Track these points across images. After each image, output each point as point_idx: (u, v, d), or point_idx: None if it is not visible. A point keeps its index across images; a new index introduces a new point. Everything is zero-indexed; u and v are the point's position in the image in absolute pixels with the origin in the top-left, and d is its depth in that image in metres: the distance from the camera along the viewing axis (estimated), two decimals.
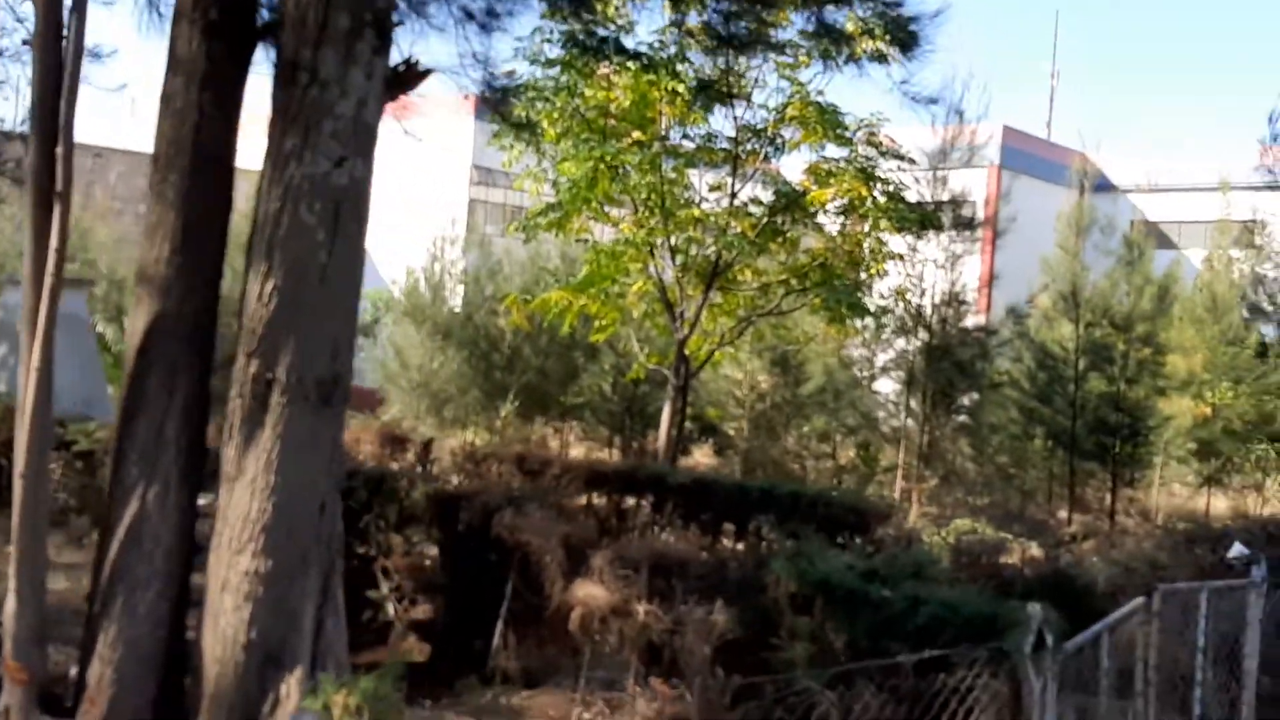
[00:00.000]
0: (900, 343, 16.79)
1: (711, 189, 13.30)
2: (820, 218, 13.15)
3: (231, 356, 5.36)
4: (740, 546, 9.32)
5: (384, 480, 8.63)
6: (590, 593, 6.86)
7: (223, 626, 5.15)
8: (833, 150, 12.78)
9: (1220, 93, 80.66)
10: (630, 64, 11.56)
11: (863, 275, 13.31)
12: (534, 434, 18.94)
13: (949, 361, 15.99)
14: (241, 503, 5.18)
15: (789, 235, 13.09)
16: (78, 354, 13.56)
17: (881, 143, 12.82)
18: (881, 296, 14.56)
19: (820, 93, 12.26)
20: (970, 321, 16.93)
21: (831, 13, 10.22)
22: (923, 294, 16.01)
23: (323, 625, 5.31)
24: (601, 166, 11.89)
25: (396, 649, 8.03)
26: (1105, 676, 5.98)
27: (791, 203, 12.63)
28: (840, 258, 12.94)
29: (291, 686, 5.01)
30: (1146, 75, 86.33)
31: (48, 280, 5.31)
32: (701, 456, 18.58)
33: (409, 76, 5.71)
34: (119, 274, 20.05)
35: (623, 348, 16.52)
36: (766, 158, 13.14)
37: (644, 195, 12.34)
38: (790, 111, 12.39)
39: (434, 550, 8.60)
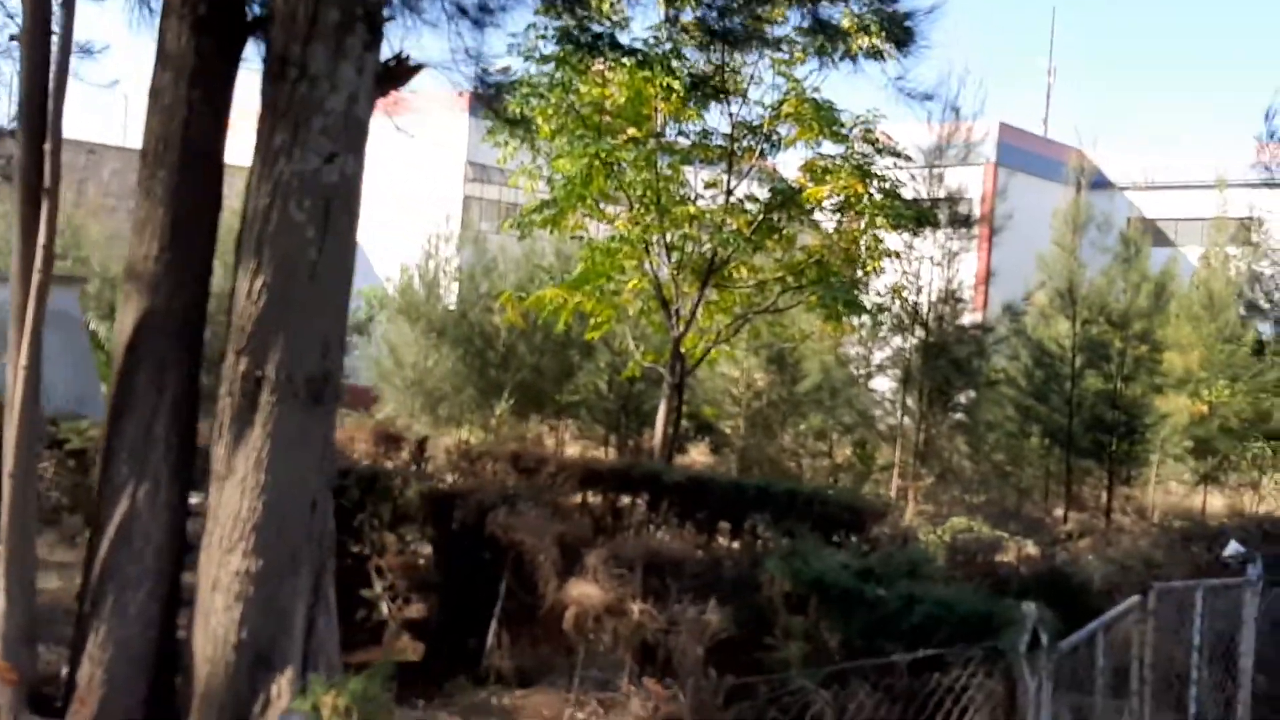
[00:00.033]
0: (897, 340, 16.77)
1: (707, 186, 13.26)
2: (816, 215, 13.12)
3: (222, 353, 5.32)
4: (736, 545, 9.29)
5: (377, 479, 8.58)
6: (584, 592, 6.83)
7: (213, 626, 5.12)
8: (829, 147, 12.76)
9: (1217, 89, 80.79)
10: (625, 60, 11.52)
11: (859, 273, 13.28)
12: (529, 432, 18.91)
13: (945, 359, 15.97)
14: (232, 501, 5.14)
15: (785, 232, 13.06)
16: (70, 352, 13.52)
17: (878, 140, 12.79)
18: (878, 294, 14.53)
19: (816, 89, 12.24)
20: (967, 319, 16.91)
21: (827, 9, 10.20)
22: (919, 291, 15.99)
23: (314, 624, 5.28)
24: (596, 163, 11.84)
25: (390, 648, 7.99)
26: (1101, 675, 5.95)
27: (787, 200, 12.60)
28: (836, 255, 12.91)
29: (282, 686, 4.98)
30: (1143, 72, 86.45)
31: (35, 277, 5.28)
32: (698, 455, 18.56)
33: (400, 72, 5.67)
34: (111, 271, 19.96)
35: (618, 345, 16.49)
36: (762, 154, 13.10)
37: (639, 192, 12.30)
38: (786, 108, 12.35)
39: (428, 549, 8.55)
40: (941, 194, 16.06)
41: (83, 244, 22.64)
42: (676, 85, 11.63)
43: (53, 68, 5.38)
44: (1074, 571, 9.19)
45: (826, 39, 10.83)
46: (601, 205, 12.77)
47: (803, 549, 6.80)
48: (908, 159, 13.72)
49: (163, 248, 5.57)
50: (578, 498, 9.82)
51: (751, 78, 12.55)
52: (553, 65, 11.88)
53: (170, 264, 5.58)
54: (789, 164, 13.80)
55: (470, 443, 13.11)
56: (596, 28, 11.68)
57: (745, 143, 12.82)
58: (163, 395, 5.54)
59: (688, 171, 13.13)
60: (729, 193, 12.86)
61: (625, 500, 9.94)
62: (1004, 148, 30.14)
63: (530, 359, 18.35)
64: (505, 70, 11.78)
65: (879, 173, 12.71)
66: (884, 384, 17.73)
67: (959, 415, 17.02)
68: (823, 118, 12.27)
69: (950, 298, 16.15)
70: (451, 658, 7.54)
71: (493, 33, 7.35)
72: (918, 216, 13.34)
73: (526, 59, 11.85)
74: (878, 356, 17.48)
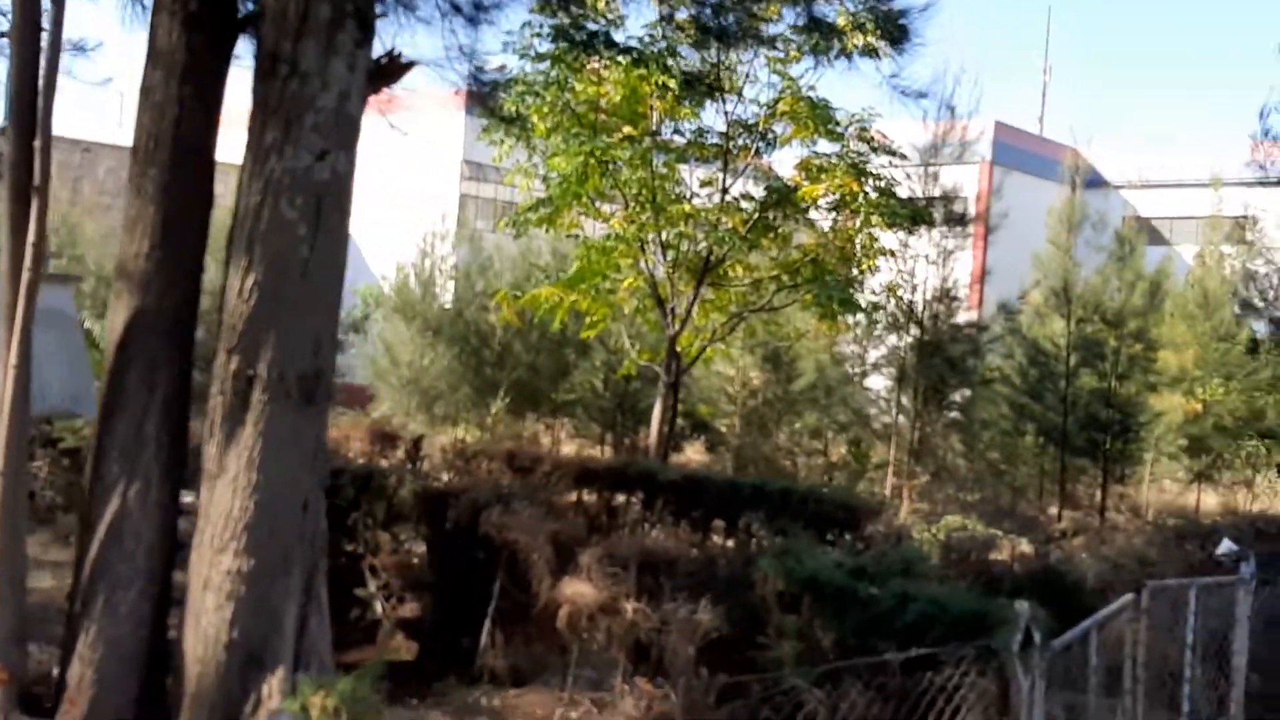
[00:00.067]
0: (892, 339, 16.78)
1: (703, 184, 13.24)
2: (812, 213, 13.11)
3: (215, 352, 5.30)
4: (731, 543, 9.28)
5: (371, 478, 8.57)
6: (578, 591, 6.82)
7: (204, 626, 5.10)
8: (824, 145, 12.74)
9: (1213, 89, 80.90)
10: (620, 58, 11.50)
11: (854, 271, 13.27)
12: (525, 431, 18.89)
13: (940, 358, 15.98)
14: (223, 501, 5.13)
15: (780, 231, 13.05)
16: (65, 350, 13.48)
17: (873, 138, 12.78)
18: (873, 292, 14.52)
19: (812, 88, 12.23)
20: (962, 317, 16.92)
21: (821, 7, 10.18)
22: (914, 290, 15.99)
23: (306, 624, 5.27)
24: (592, 161, 11.83)
25: (384, 647, 7.99)
26: (1094, 674, 5.95)
27: (783, 198, 12.59)
28: (832, 253, 12.90)
29: (274, 686, 4.97)
30: (1139, 71, 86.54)
31: (25, 275, 5.25)
32: (693, 453, 18.55)
33: (392, 69, 5.65)
34: (107, 270, 19.87)
35: (614, 344, 16.48)
36: (758, 153, 13.09)
37: (635, 190, 12.28)
38: (781, 107, 12.34)
39: (422, 548, 8.54)
40: (937, 192, 16.06)
41: (78, 242, 22.59)
42: (672, 84, 11.62)
43: (43, 64, 5.36)
44: (1068, 570, 9.20)
45: (821, 37, 10.82)
46: (597, 204, 12.75)
47: (796, 547, 6.79)
48: (903, 157, 13.72)
49: (154, 246, 5.55)
50: (573, 496, 9.81)
51: (747, 76, 12.54)
52: (548, 63, 11.86)
53: (161, 262, 5.56)
54: (784, 162, 13.80)
55: (466, 441, 13.10)
56: (592, 26, 11.66)
57: (741, 141, 12.80)
58: (154, 394, 5.52)
59: (683, 170, 13.11)
60: (724, 191, 12.85)
61: (620, 499, 9.93)
62: (999, 146, 30.16)
63: (526, 357, 18.33)
64: (501, 69, 11.79)
65: (874, 171, 12.70)
66: (879, 382, 17.74)
67: (954, 414, 17.03)
68: (818, 116, 12.26)
69: (945, 296, 16.16)
70: (445, 657, 7.54)
71: (487, 30, 7.33)
72: (913, 215, 13.33)
73: (522, 57, 11.84)
74: (873, 355, 17.49)
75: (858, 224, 12.87)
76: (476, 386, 18.25)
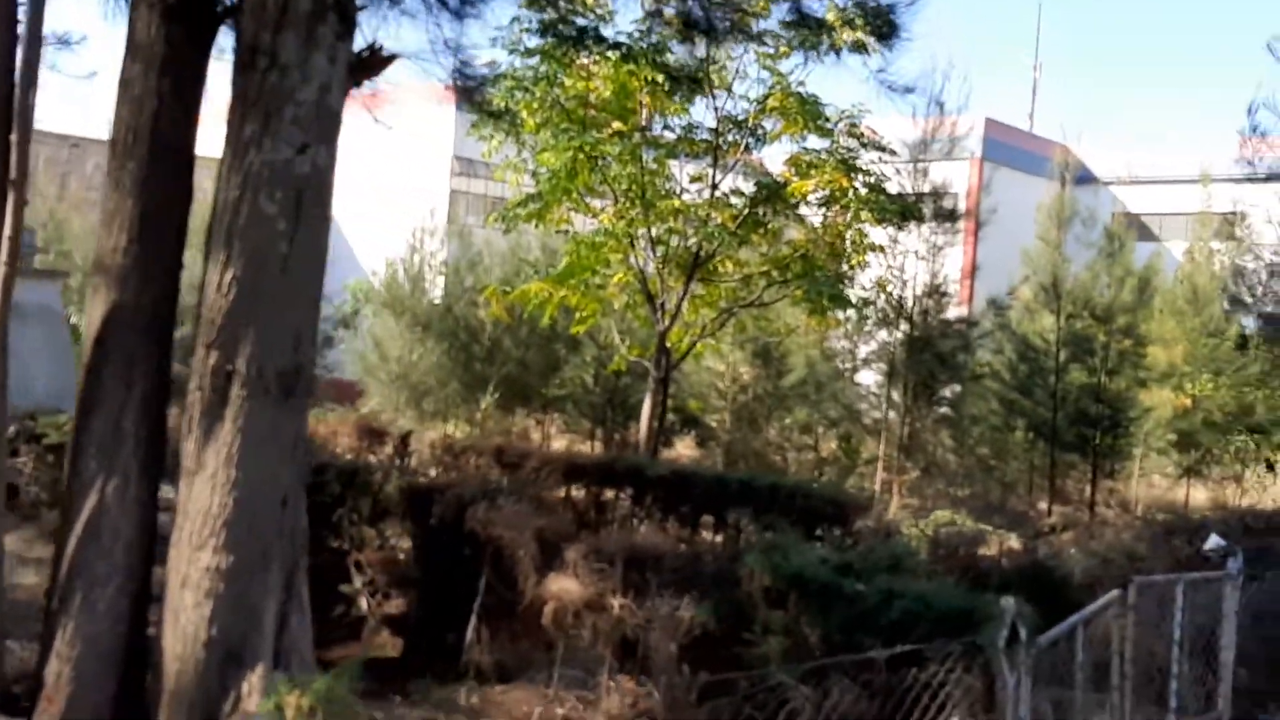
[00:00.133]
0: (882, 334, 16.78)
1: (692, 180, 13.20)
2: (801, 209, 13.08)
3: (194, 347, 5.24)
4: (719, 539, 9.26)
5: (357, 473, 8.53)
6: (564, 587, 6.78)
7: (183, 623, 5.05)
8: (814, 141, 12.72)
9: (1202, 86, 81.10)
10: (610, 54, 11.45)
11: (844, 267, 13.26)
12: (515, 426, 18.85)
13: (930, 353, 15.99)
14: (202, 497, 5.08)
15: (770, 226, 13.03)
16: (51, 346, 13.40)
17: (863, 134, 12.75)
18: (863, 288, 14.52)
19: (801, 84, 12.19)
20: (952, 313, 16.94)
21: (810, 2, 10.15)
22: (904, 286, 15.99)
23: (287, 621, 5.22)
24: (581, 157, 11.78)
25: (369, 644, 7.95)
26: (1081, 670, 5.94)
27: (773, 194, 12.56)
28: (822, 249, 12.88)
29: (253, 684, 4.92)
30: (1129, 67, 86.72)
31: (1, 270, 5.19)
32: (684, 448, 18.53)
33: (374, 62, 5.60)
34: None
35: (604, 339, 16.43)
36: (748, 149, 13.05)
37: (624, 186, 12.24)
38: (771, 102, 12.30)
39: (408, 544, 8.50)
40: (926, 188, 16.06)
41: (65, 238, 22.47)
42: (661, 79, 11.57)
43: (19, 57, 5.29)
44: (1055, 565, 9.20)
45: (810, 32, 10.79)
46: (587, 199, 12.70)
47: (782, 543, 6.76)
48: (893, 153, 13.70)
49: (131, 240, 5.49)
50: (561, 492, 9.77)
51: (737, 72, 12.50)
52: (537, 59, 11.80)
53: (139, 257, 5.50)
54: (774, 158, 13.77)
55: (454, 437, 13.06)
56: (581, 21, 11.61)
57: (730, 137, 12.76)
58: (131, 390, 5.47)
59: (673, 165, 13.07)
60: (714, 187, 12.81)
61: (609, 494, 9.90)
62: (990, 143, 30.17)
63: (516, 353, 18.29)
64: (492, 64, 11.72)
65: (864, 167, 12.69)
66: (869, 378, 17.74)
67: (944, 409, 17.06)
68: (808, 112, 12.23)
69: (935, 292, 16.17)
70: (430, 653, 7.50)
71: (474, 24, 7.26)
72: (902, 211, 13.32)
73: (511, 52, 11.79)
74: (863, 350, 17.49)
75: (847, 219, 12.85)
76: (466, 382, 18.21)
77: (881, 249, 13.97)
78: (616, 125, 12.14)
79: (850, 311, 14.41)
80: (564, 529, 7.67)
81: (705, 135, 12.71)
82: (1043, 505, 16.08)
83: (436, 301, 19.37)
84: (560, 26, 11.47)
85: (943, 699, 5.27)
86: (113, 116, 5.63)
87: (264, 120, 5.08)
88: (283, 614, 5.17)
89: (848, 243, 13.04)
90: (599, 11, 11.75)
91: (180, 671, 5.01)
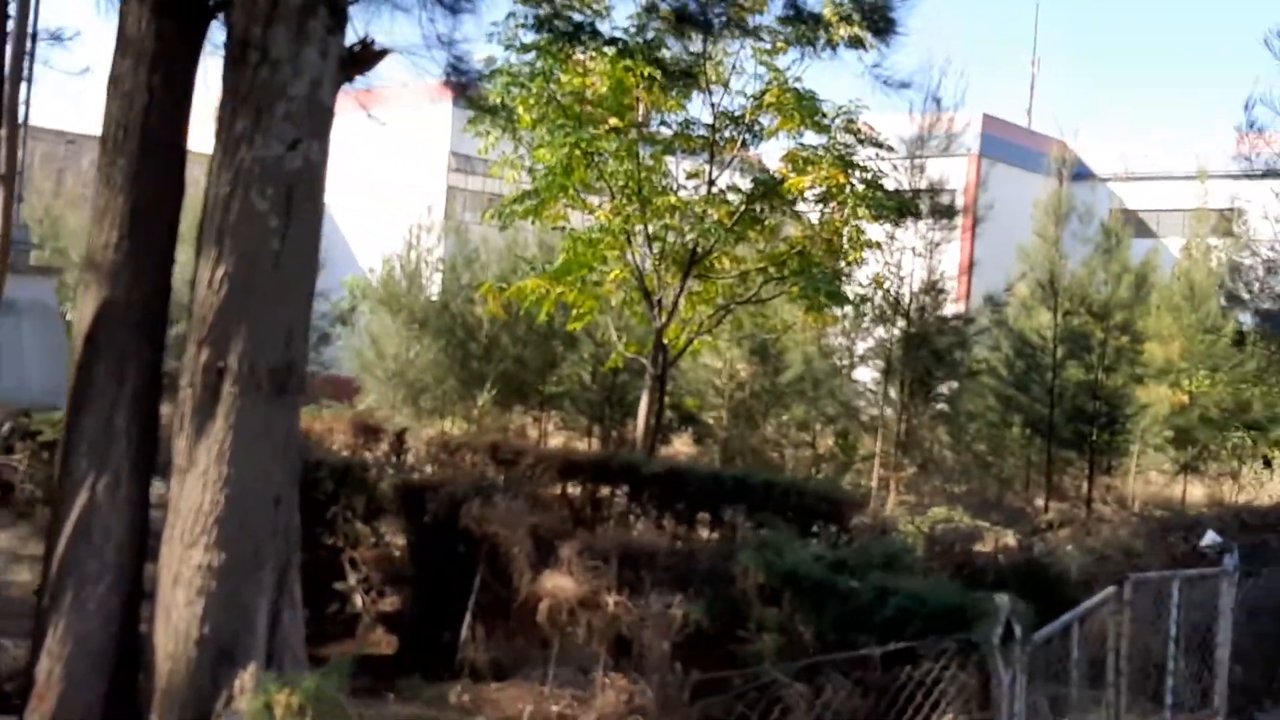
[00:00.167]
0: (879, 331, 16.76)
1: (689, 176, 13.18)
2: (799, 205, 13.05)
3: (186, 344, 5.21)
4: (715, 536, 9.24)
5: (351, 470, 8.51)
6: (558, 584, 6.77)
7: (175, 621, 5.03)
8: (811, 138, 12.69)
9: (1200, 83, 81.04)
10: (606, 50, 11.41)
11: (841, 263, 13.24)
12: (512, 423, 18.82)
13: (927, 350, 15.97)
14: (193, 495, 5.05)
15: (767, 223, 13.00)
16: (46, 342, 13.35)
17: (860, 130, 12.72)
18: (860, 285, 14.50)
19: (798, 80, 12.17)
20: (949, 310, 16.92)
21: None
22: (901, 282, 15.97)
23: (279, 619, 5.19)
24: (578, 153, 11.75)
25: (364, 641, 7.93)
26: (1076, 667, 5.93)
27: (770, 190, 12.53)
28: (819, 246, 12.86)
29: (245, 682, 4.89)
30: (1126, 65, 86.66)
31: None
32: (681, 446, 18.51)
33: (366, 56, 5.56)
34: None
35: (601, 336, 16.41)
36: (744, 145, 13.02)
37: (621, 182, 12.21)
38: (768, 98, 12.27)
39: (402, 541, 8.48)
40: (923, 185, 16.03)
41: (61, 234, 22.41)
42: (659, 75, 11.54)
43: (8, 53, 5.26)
44: (1051, 562, 9.19)
45: (807, 28, 10.76)
46: (583, 195, 12.67)
47: (776, 541, 6.75)
48: (890, 150, 13.68)
49: (123, 236, 5.45)
50: (557, 489, 9.76)
51: (733, 68, 12.47)
52: (533, 54, 11.77)
53: (130, 253, 5.46)
54: (771, 154, 13.73)
55: (451, 434, 13.03)
56: (577, 17, 11.57)
57: (727, 133, 12.73)
58: (123, 387, 5.43)
59: (670, 162, 13.04)
60: (711, 183, 12.79)
61: (604, 492, 9.89)
62: (987, 139, 30.16)
63: (513, 350, 18.26)
64: (489, 60, 11.69)
65: (861, 163, 12.66)
66: (866, 374, 17.73)
67: (941, 405, 17.04)
68: (805, 108, 12.20)
69: (932, 288, 16.15)
70: (425, 651, 7.48)
71: (468, 19, 7.20)
72: (899, 207, 13.29)
73: (507, 48, 11.76)
74: (860, 347, 17.48)
75: (844, 216, 12.83)
76: (463, 379, 18.18)
77: (878, 245, 13.95)
78: (613, 121, 12.10)
79: (847, 308, 14.39)
80: (559, 526, 7.66)
81: (702, 131, 12.68)
82: (1039, 502, 16.07)
83: (433, 298, 19.35)
84: (556, 22, 11.44)
85: (937, 696, 5.26)
86: (103, 112, 5.60)
87: (255, 116, 5.05)
88: (275, 612, 5.14)
89: (845, 239, 13.02)
90: (595, 7, 11.72)
91: (172, 669, 4.98)
